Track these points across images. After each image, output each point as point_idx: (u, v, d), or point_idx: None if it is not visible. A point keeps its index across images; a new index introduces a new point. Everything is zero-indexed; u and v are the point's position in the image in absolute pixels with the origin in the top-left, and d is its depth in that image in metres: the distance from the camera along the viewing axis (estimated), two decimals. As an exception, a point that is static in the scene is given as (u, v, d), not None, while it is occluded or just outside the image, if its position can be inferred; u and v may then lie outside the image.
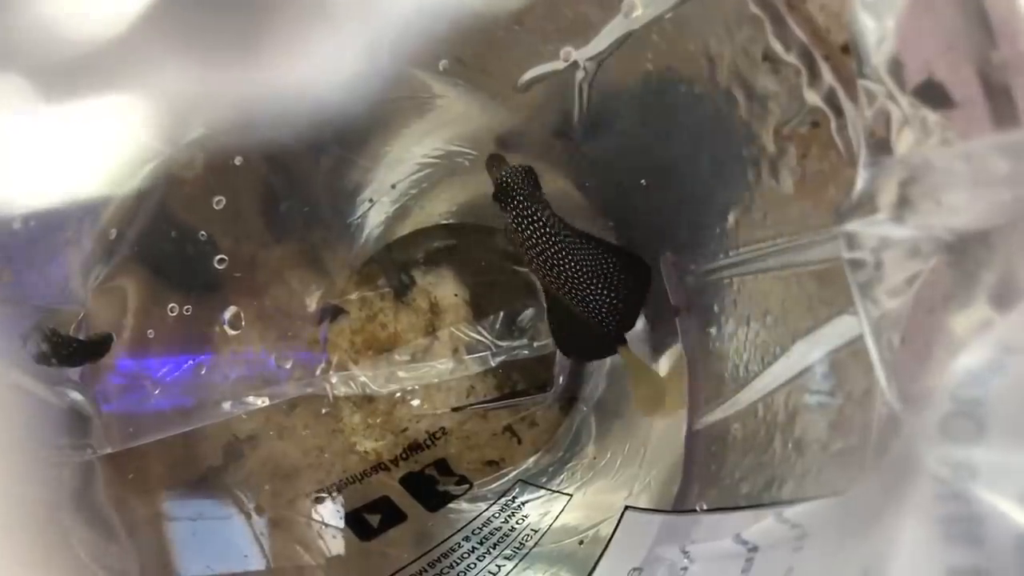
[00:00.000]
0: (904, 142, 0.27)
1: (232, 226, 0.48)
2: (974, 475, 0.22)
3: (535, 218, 0.41)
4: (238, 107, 0.37)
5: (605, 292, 0.42)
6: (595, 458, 0.52)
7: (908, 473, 0.23)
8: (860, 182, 0.28)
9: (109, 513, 0.44)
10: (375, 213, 0.52)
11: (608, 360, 0.54)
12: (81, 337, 0.44)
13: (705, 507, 0.41)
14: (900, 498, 0.23)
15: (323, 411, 0.54)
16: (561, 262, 0.41)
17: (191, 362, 0.48)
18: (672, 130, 0.40)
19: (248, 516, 0.51)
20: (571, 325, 0.46)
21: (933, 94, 0.26)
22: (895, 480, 0.24)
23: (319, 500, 0.52)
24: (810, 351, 0.34)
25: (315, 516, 0.52)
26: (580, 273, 0.42)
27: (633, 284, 0.43)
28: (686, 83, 0.37)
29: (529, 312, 0.55)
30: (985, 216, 0.24)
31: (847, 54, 0.29)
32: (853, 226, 0.28)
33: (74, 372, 0.44)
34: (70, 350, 0.43)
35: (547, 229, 0.41)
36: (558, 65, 0.40)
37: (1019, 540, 0.20)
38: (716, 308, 0.41)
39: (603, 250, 0.42)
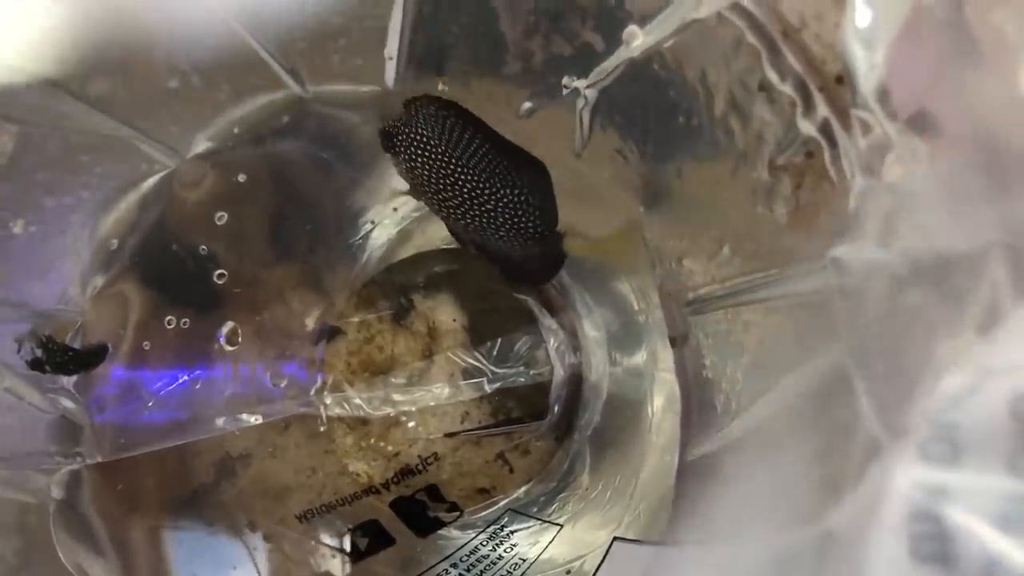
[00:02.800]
0: (893, 170, 0.27)
1: (234, 242, 0.48)
2: (948, 497, 0.22)
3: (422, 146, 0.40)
4: None
5: (512, 195, 0.41)
6: (587, 489, 0.51)
7: (883, 496, 0.23)
8: (850, 210, 0.28)
9: (96, 524, 0.44)
10: (377, 235, 0.53)
11: (605, 391, 0.54)
12: (76, 346, 0.44)
13: (694, 539, 0.41)
14: (874, 520, 0.23)
15: (316, 431, 0.54)
16: (461, 187, 0.40)
17: (186, 376, 0.48)
18: (669, 159, 0.40)
19: (239, 532, 0.50)
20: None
21: (923, 124, 0.26)
22: (870, 503, 0.24)
23: (308, 520, 0.52)
24: (800, 381, 0.33)
25: (306, 535, 0.51)
26: (482, 191, 0.40)
27: (535, 180, 0.42)
28: (684, 112, 0.37)
29: (527, 339, 0.55)
30: (970, 239, 0.24)
31: (841, 84, 0.30)
32: (841, 254, 0.28)
33: (68, 380, 0.44)
34: (64, 358, 0.43)
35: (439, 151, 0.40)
36: (559, 93, 0.40)
37: (990, 561, 0.20)
38: (709, 339, 0.41)
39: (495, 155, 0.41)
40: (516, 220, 0.41)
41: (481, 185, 0.40)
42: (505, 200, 0.41)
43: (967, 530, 0.22)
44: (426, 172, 0.40)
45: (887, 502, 0.23)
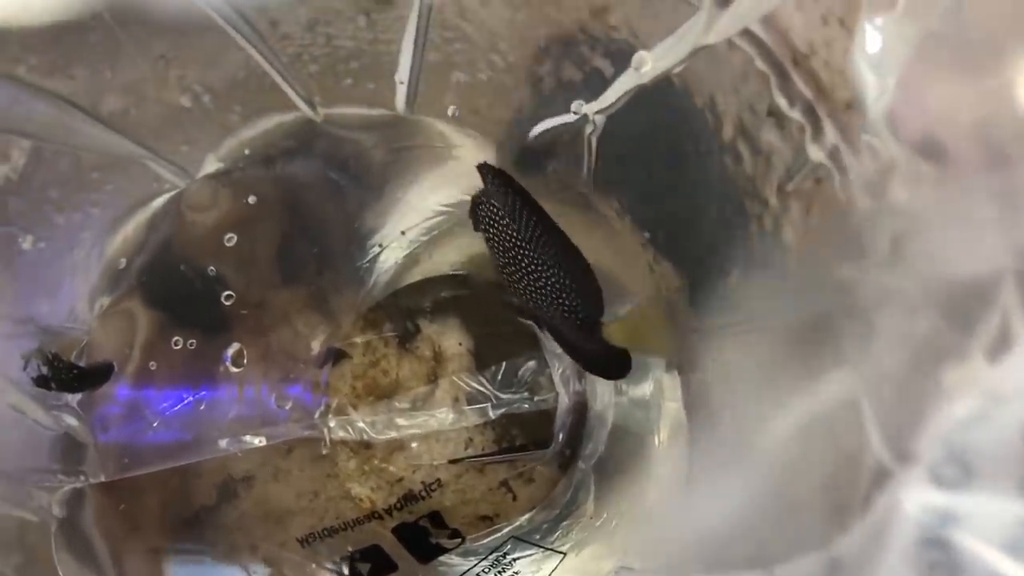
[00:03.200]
0: (902, 194, 0.27)
1: (242, 264, 0.48)
2: (959, 522, 0.21)
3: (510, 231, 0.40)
4: None
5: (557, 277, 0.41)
6: (591, 518, 0.51)
7: (894, 522, 0.23)
8: (858, 235, 0.28)
9: (97, 543, 0.44)
10: (385, 258, 0.53)
11: (610, 420, 0.54)
12: (82, 364, 0.44)
13: (699, 569, 0.40)
14: (884, 546, 0.23)
15: (319, 455, 0.54)
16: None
17: (191, 397, 0.48)
18: (677, 185, 0.40)
19: (240, 555, 0.50)
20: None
21: (931, 149, 0.26)
22: (880, 530, 0.24)
23: (310, 544, 0.52)
24: (806, 407, 0.33)
25: (307, 560, 0.51)
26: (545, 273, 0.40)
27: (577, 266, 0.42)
28: (692, 138, 0.37)
29: (531, 364, 0.55)
30: (980, 265, 0.24)
31: (851, 110, 0.30)
32: (848, 277, 0.28)
33: (73, 398, 0.44)
34: (70, 376, 0.43)
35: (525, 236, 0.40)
36: (568, 118, 0.41)
37: (1000, 586, 0.20)
38: (716, 364, 0.41)
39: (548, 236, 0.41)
40: (560, 301, 0.41)
41: (536, 263, 0.40)
42: (552, 281, 0.41)
43: (977, 555, 0.22)
44: (497, 246, 0.41)
45: (896, 528, 0.23)
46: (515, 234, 0.39)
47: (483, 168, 0.40)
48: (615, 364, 0.45)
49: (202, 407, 0.49)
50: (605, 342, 0.43)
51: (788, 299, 0.35)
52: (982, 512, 0.22)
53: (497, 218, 0.40)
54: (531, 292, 0.41)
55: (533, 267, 0.40)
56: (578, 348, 0.46)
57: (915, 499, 0.23)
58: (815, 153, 0.31)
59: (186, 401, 0.48)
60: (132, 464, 0.45)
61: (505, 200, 0.39)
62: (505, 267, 0.41)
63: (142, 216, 0.44)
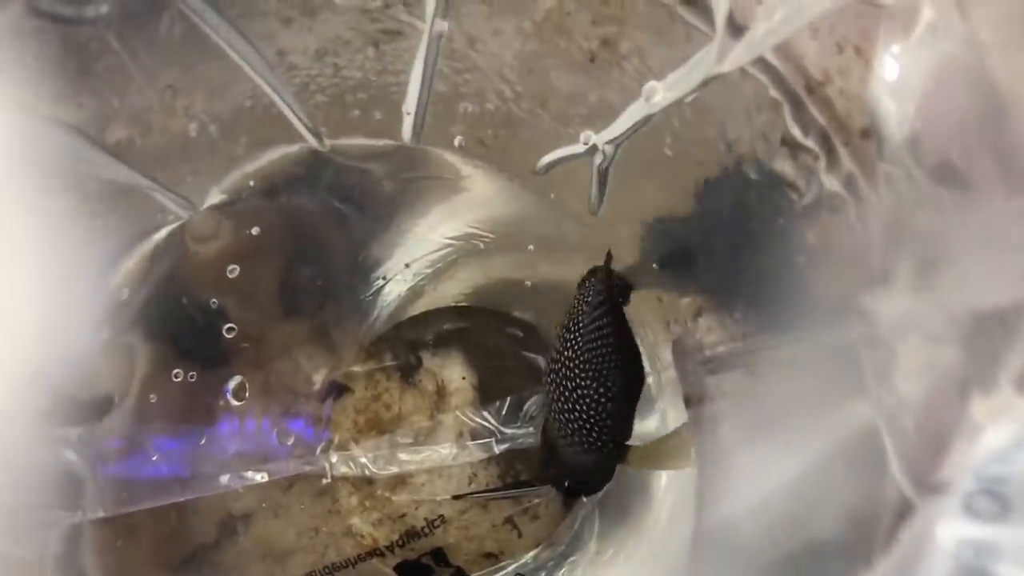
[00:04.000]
0: (923, 222, 0.27)
1: (244, 296, 0.48)
2: (997, 555, 0.21)
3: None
4: None
5: (598, 394, 0.40)
6: (597, 553, 0.50)
7: (926, 556, 0.23)
8: (878, 263, 0.28)
9: (95, 579, 0.43)
10: (388, 291, 0.52)
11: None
12: (84, 397, 0.43)
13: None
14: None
15: (320, 490, 0.53)
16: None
17: (192, 430, 0.48)
18: (689, 216, 0.40)
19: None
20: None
21: (951, 174, 0.26)
22: (910, 565, 0.23)
23: (310, 584, 0.51)
24: (823, 440, 0.33)
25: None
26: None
27: (628, 388, 0.41)
28: (704, 168, 0.37)
29: (536, 399, 0.54)
30: (1006, 294, 0.24)
31: (866, 138, 0.30)
32: (868, 305, 0.28)
33: (72, 432, 0.43)
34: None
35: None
36: (577, 149, 0.40)
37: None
38: (727, 398, 0.40)
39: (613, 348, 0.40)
40: (588, 417, 0.41)
41: (581, 368, 0.40)
42: (589, 395, 0.40)
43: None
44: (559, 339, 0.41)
45: (929, 562, 0.23)
46: (577, 327, 0.40)
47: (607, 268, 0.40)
48: (599, 478, 0.46)
49: (203, 441, 0.48)
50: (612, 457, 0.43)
51: (803, 329, 0.34)
52: (1020, 542, 0.21)
53: (574, 306, 0.41)
54: (559, 392, 0.41)
55: (574, 364, 0.40)
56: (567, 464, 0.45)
57: (949, 532, 0.22)
58: (830, 182, 0.31)
59: (186, 435, 0.47)
60: (131, 499, 0.44)
61: (591, 294, 0.40)
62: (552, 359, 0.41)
63: (145, 247, 0.44)
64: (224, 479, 0.48)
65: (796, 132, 0.32)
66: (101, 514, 0.43)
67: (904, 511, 0.26)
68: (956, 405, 0.25)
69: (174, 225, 0.44)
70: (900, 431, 0.27)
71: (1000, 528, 0.21)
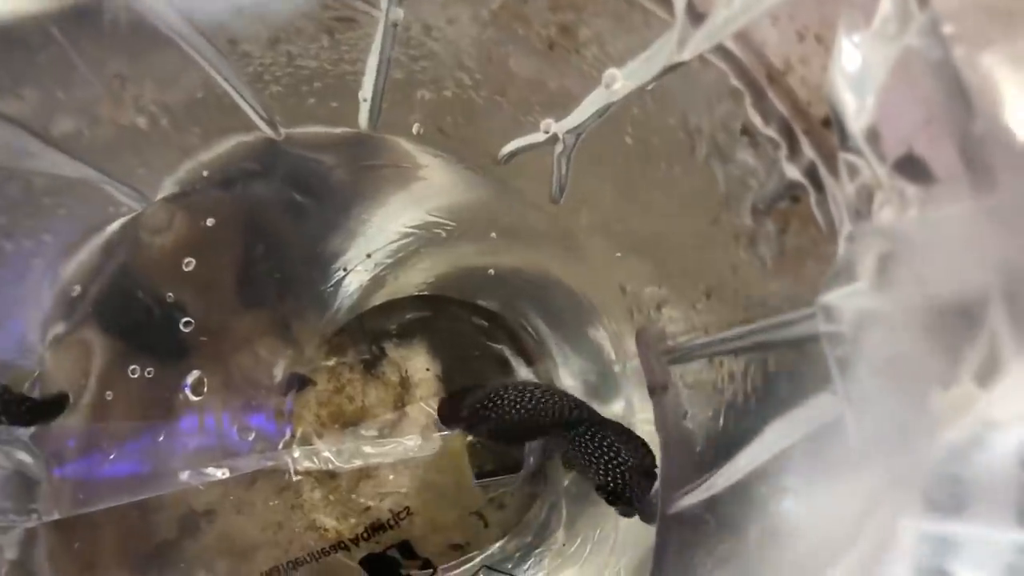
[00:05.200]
0: (884, 215, 0.26)
1: (201, 289, 0.47)
2: (955, 550, 0.21)
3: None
4: None
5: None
6: (564, 544, 0.50)
7: (886, 552, 0.22)
8: (840, 256, 0.28)
9: (50, 584, 0.42)
10: (349, 282, 0.52)
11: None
12: (35, 396, 0.42)
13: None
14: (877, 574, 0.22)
15: (283, 485, 0.52)
16: None
17: (150, 428, 0.47)
18: (650, 204, 0.39)
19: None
20: None
21: (913, 168, 0.25)
22: (871, 561, 0.23)
23: (274, 579, 0.50)
24: (787, 432, 0.32)
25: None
26: None
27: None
28: (665, 157, 0.36)
29: (501, 389, 0.54)
30: (968, 288, 0.23)
31: (828, 128, 0.29)
32: (831, 300, 0.27)
33: (25, 432, 0.42)
34: (22, 409, 0.41)
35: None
36: (538, 137, 0.40)
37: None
38: (691, 388, 0.40)
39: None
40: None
41: None
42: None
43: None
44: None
45: (891, 557, 0.22)
46: None
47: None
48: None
49: (161, 438, 0.47)
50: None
51: (766, 320, 0.34)
52: (979, 540, 0.21)
53: None
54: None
55: None
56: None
57: (911, 528, 0.22)
58: (791, 171, 0.31)
59: (144, 432, 0.46)
60: (88, 500, 0.43)
61: None
62: None
63: (97, 241, 0.43)
64: (184, 476, 0.47)
65: (757, 121, 0.31)
66: (57, 516, 0.42)
67: (871, 503, 0.26)
68: (920, 399, 0.25)
69: (127, 218, 0.43)
70: (865, 423, 0.27)
71: (958, 524, 0.21)
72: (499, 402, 0.42)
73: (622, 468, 0.40)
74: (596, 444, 0.41)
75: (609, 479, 0.40)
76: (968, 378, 0.23)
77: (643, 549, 0.43)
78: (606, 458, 0.41)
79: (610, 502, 0.41)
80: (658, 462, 0.42)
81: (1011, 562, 0.21)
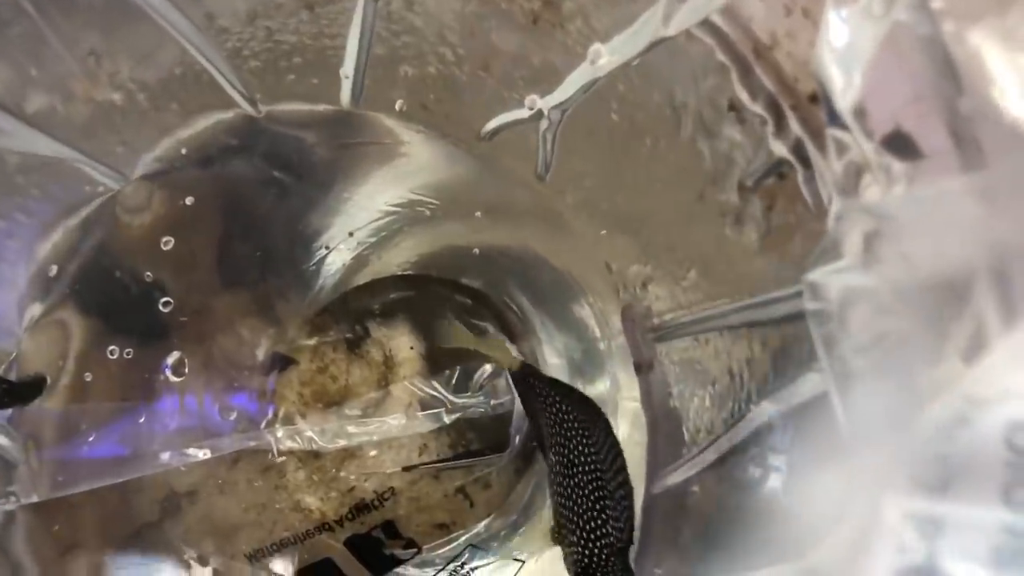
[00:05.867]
0: (870, 191, 0.26)
1: (180, 268, 0.46)
2: (940, 529, 0.21)
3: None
4: None
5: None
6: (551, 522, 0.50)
7: (872, 530, 0.22)
8: (826, 234, 0.28)
9: (28, 567, 0.42)
10: (331, 261, 0.51)
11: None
12: (12, 378, 0.42)
13: (661, 573, 0.39)
14: (862, 556, 0.22)
15: (267, 466, 0.52)
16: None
17: (130, 409, 0.46)
18: (635, 182, 0.39)
19: (188, 567, 0.48)
20: None
21: (900, 144, 0.25)
22: (858, 538, 0.23)
23: (259, 560, 0.50)
24: (772, 411, 0.32)
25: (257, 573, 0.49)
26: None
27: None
28: (650, 133, 0.36)
29: (487, 368, 0.53)
30: (954, 265, 0.23)
31: (815, 103, 0.29)
32: (817, 277, 0.27)
33: (2, 414, 0.41)
34: (-1, 391, 0.41)
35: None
36: (522, 113, 0.39)
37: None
38: (677, 366, 0.40)
39: None
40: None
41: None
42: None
43: (959, 564, 0.21)
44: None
45: (876, 537, 0.22)
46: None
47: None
48: None
49: (141, 419, 0.46)
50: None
51: (752, 298, 0.34)
52: (965, 519, 0.21)
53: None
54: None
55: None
56: None
57: (895, 506, 0.22)
58: (778, 148, 0.31)
59: (124, 413, 0.46)
60: (67, 482, 0.43)
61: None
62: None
63: (74, 221, 0.42)
64: (165, 457, 0.46)
65: (743, 97, 0.31)
66: (35, 499, 0.41)
67: (857, 482, 0.26)
68: (906, 375, 0.25)
69: (104, 197, 0.42)
70: (851, 401, 0.27)
71: (944, 503, 0.21)
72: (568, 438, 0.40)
73: (604, 543, 0.37)
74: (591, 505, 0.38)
75: (586, 553, 0.37)
76: (954, 355, 0.23)
77: (628, 527, 0.43)
78: (591, 526, 0.37)
79: None
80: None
81: (997, 544, 0.21)
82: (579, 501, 0.37)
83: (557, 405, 0.41)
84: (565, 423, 0.40)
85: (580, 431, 0.39)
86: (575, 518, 0.37)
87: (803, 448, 0.31)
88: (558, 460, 0.39)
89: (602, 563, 0.36)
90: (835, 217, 0.27)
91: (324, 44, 0.39)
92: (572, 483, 0.38)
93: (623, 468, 0.39)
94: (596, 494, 0.37)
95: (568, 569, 0.37)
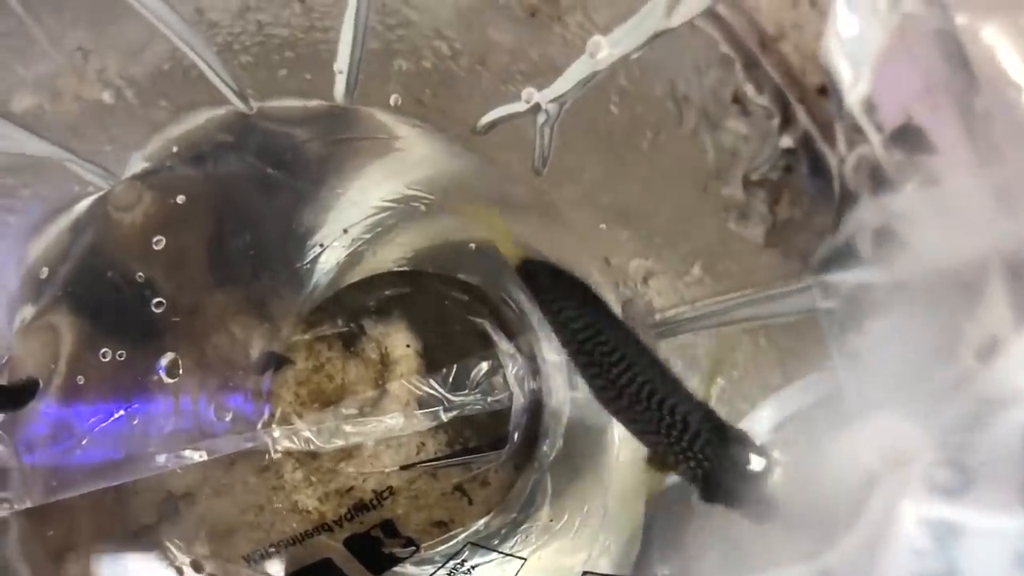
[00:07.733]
0: (881, 186, 0.25)
1: (172, 268, 0.46)
2: (958, 534, 0.20)
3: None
4: None
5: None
6: (551, 520, 0.49)
7: (890, 532, 0.22)
8: (835, 229, 0.27)
9: (22, 573, 0.41)
10: (326, 258, 0.50)
11: (566, 416, 0.53)
12: (3, 382, 0.41)
13: (667, 573, 0.39)
14: (880, 556, 0.22)
15: (264, 467, 0.51)
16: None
17: (123, 411, 0.45)
18: (636, 175, 0.38)
19: (181, 573, 0.48)
20: None
21: (912, 138, 0.25)
22: (873, 540, 0.23)
23: (257, 562, 0.49)
24: (781, 407, 0.32)
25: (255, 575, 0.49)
26: None
27: None
28: (651, 127, 0.35)
29: (484, 365, 0.53)
30: (967, 262, 0.23)
31: (823, 96, 0.28)
32: (828, 275, 0.27)
33: (-7, 420, 0.41)
34: (-10, 396, 0.40)
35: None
36: (519, 107, 0.39)
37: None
38: (679, 362, 0.40)
39: None
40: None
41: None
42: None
43: (978, 567, 0.21)
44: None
45: (892, 540, 0.22)
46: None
47: None
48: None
49: (135, 422, 0.46)
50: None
51: (756, 293, 0.33)
52: (983, 521, 0.21)
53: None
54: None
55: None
56: None
57: (912, 507, 0.21)
58: (784, 141, 0.30)
59: (118, 416, 0.45)
60: (61, 487, 0.42)
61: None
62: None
63: (64, 222, 0.41)
64: (160, 459, 0.46)
65: (749, 89, 0.30)
66: (29, 504, 0.41)
67: (870, 482, 0.25)
68: (920, 374, 0.24)
69: (94, 197, 0.42)
70: (863, 400, 0.27)
71: (962, 505, 0.20)
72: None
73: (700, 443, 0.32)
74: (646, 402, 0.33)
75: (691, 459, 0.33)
76: (968, 354, 0.23)
77: (633, 525, 0.42)
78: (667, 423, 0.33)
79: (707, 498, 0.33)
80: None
81: (1016, 547, 0.20)
82: (634, 406, 0.33)
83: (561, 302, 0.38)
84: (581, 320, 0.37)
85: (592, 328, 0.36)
86: (647, 426, 0.33)
87: (811, 445, 0.31)
88: (586, 362, 0.36)
89: (705, 457, 0.32)
90: (845, 213, 0.27)
91: (317, 38, 0.39)
92: (616, 392, 0.34)
93: (645, 349, 0.35)
94: (644, 391, 0.33)
95: (698, 492, 0.33)
